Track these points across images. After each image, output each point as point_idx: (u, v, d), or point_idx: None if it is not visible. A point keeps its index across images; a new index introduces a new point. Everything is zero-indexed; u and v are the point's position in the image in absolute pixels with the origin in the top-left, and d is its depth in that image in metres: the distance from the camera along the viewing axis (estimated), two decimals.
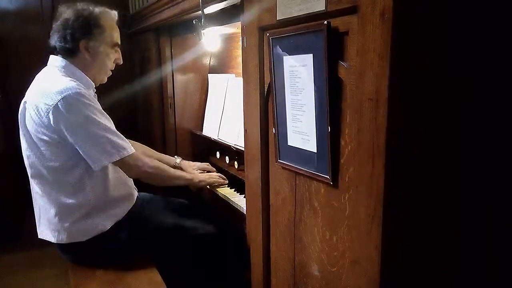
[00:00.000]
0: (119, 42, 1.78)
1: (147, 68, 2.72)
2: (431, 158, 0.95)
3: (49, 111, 1.50)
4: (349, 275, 1.06)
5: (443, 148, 0.96)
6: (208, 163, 2.15)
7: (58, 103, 1.50)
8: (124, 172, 1.71)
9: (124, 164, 1.64)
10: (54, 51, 1.71)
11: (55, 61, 1.68)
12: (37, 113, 1.54)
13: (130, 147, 1.65)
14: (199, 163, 2.13)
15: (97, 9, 1.68)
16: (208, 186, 2.01)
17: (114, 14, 1.75)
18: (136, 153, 1.67)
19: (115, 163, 1.62)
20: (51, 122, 1.51)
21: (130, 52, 3.03)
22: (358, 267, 1.01)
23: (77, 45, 1.65)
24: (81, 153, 1.57)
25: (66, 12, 1.66)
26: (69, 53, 1.67)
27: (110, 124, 1.62)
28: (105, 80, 1.81)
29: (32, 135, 1.58)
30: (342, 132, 1.03)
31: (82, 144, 1.54)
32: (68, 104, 1.51)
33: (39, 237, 1.74)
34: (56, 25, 1.66)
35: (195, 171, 2.05)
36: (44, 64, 1.73)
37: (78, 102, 1.52)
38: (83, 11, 1.65)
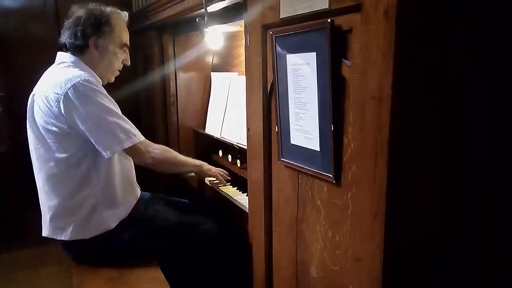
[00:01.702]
0: (128, 43, 1.81)
1: (149, 66, 2.72)
2: (432, 156, 0.95)
3: (59, 100, 1.52)
4: (351, 273, 1.06)
5: (444, 146, 0.96)
6: (206, 163, 2.15)
7: (68, 91, 1.51)
8: (134, 159, 1.73)
9: (135, 150, 1.65)
10: (63, 48, 1.74)
11: (64, 57, 1.71)
12: (46, 103, 1.55)
13: (139, 133, 1.67)
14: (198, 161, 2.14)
15: (108, 9, 1.73)
16: (209, 183, 2.02)
17: (125, 15, 1.80)
18: (145, 140, 1.69)
19: (126, 150, 1.63)
20: (62, 111, 1.52)
21: (132, 50, 3.03)
22: (360, 265, 1.01)
23: (87, 42, 1.68)
24: (92, 140, 1.57)
25: (78, 11, 1.71)
26: (78, 49, 1.70)
27: (119, 111, 1.65)
28: (112, 79, 1.84)
29: (40, 127, 1.59)
30: (345, 131, 1.02)
31: (94, 131, 1.56)
32: (78, 92, 1.52)
33: (42, 235, 1.74)
34: (68, 22, 1.71)
35: None
36: (48, 62, 1.74)
37: (88, 89, 1.54)
38: (95, 10, 1.70)
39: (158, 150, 1.75)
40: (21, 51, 2.97)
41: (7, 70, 2.93)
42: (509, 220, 1.09)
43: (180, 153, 2.51)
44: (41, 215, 1.76)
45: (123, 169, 1.75)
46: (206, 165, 1.95)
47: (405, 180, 0.92)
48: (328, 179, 1.09)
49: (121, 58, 1.80)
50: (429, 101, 0.91)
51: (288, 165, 1.27)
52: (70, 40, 1.69)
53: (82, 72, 1.59)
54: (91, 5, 1.72)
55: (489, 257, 1.11)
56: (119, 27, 1.74)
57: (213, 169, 1.99)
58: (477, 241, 1.08)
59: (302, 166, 1.20)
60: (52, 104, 1.53)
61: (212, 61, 2.54)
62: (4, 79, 2.92)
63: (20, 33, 2.99)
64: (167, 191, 2.30)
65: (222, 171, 2.04)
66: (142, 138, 1.67)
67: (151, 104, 2.80)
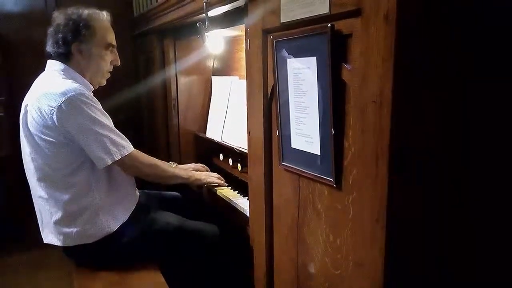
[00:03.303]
0: (114, 43, 1.77)
1: (151, 70, 2.73)
2: (433, 159, 0.95)
3: (53, 113, 1.51)
4: (352, 277, 1.06)
5: (445, 148, 0.96)
6: (203, 165, 2.16)
7: (62, 104, 1.51)
8: (124, 171, 1.72)
9: (124, 163, 1.66)
10: (51, 57, 1.72)
11: (54, 65, 1.69)
12: (40, 115, 1.54)
13: (129, 145, 1.67)
14: (193, 164, 2.15)
15: (86, 11, 1.68)
16: (205, 185, 2.02)
17: (104, 14, 1.74)
18: (135, 151, 1.69)
19: (116, 163, 1.63)
20: (56, 124, 1.52)
21: (134, 54, 3.05)
22: (361, 269, 1.01)
23: (70, 48, 1.66)
24: (87, 152, 1.58)
25: (58, 18, 1.68)
26: (64, 57, 1.68)
27: (110, 123, 1.65)
28: (104, 82, 1.81)
29: (36, 137, 1.59)
30: (346, 134, 1.03)
31: (87, 144, 1.56)
32: (72, 105, 1.52)
33: (44, 242, 1.74)
34: (50, 31, 1.69)
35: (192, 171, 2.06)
36: None
37: (81, 103, 1.54)
38: (72, 15, 1.66)
39: (147, 163, 1.75)
40: (22, 55, 2.97)
41: (9, 74, 2.93)
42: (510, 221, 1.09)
43: (181, 156, 2.53)
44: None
45: (123, 174, 1.75)
46: (194, 177, 1.95)
47: (406, 184, 0.92)
48: (329, 183, 1.09)
49: (109, 60, 1.75)
50: (429, 104, 0.91)
51: (289, 169, 1.27)
52: (54, 49, 1.67)
53: (76, 85, 1.58)
54: (70, 10, 1.67)
55: (493, 258, 1.11)
56: (100, 28, 1.70)
57: (203, 177, 1.98)
58: (480, 243, 1.08)
59: (302, 170, 1.20)
60: (46, 117, 1.53)
61: (213, 65, 2.55)
62: (5, 83, 2.92)
63: (21, 37, 2.99)
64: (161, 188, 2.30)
65: (212, 175, 2.04)
66: (131, 150, 1.67)
67: (152, 108, 2.80)
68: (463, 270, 1.07)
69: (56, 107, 1.51)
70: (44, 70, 1.74)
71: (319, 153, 1.12)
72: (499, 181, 1.06)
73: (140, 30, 2.81)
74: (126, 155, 1.63)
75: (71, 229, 1.65)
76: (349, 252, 1.06)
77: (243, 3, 1.44)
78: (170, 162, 2.12)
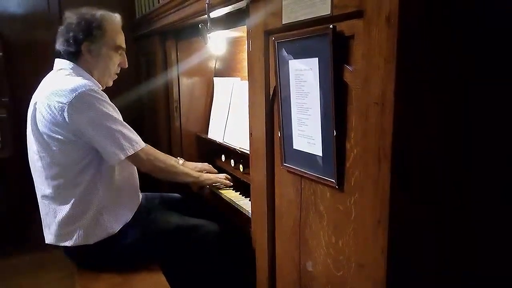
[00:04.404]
0: (124, 46, 1.79)
1: (153, 71, 2.74)
2: (435, 161, 0.95)
3: (64, 109, 1.52)
4: (354, 279, 1.06)
5: (447, 150, 0.96)
6: (210, 165, 2.16)
7: (73, 100, 1.52)
8: (136, 166, 1.74)
9: (137, 158, 1.67)
10: (59, 55, 1.74)
11: (63, 64, 1.71)
12: (50, 112, 1.55)
13: (140, 140, 1.69)
14: (200, 164, 2.16)
15: (99, 12, 1.71)
16: (208, 186, 2.04)
17: (116, 17, 1.77)
18: (147, 147, 1.70)
19: (128, 158, 1.64)
20: (67, 120, 1.53)
21: (136, 56, 3.06)
22: (364, 271, 1.01)
23: (80, 47, 1.68)
24: (98, 148, 1.59)
25: (70, 17, 1.70)
26: (73, 56, 1.70)
27: (121, 118, 1.66)
28: (110, 83, 1.83)
29: (45, 135, 1.59)
30: (348, 136, 1.03)
31: (99, 139, 1.57)
32: (83, 101, 1.53)
33: (46, 242, 1.74)
34: (61, 29, 1.71)
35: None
36: (52, 67, 1.74)
37: (93, 98, 1.55)
38: (85, 15, 1.69)
39: (159, 158, 1.76)
40: (25, 57, 2.99)
41: (12, 75, 2.94)
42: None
43: (183, 157, 2.53)
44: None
45: (127, 174, 1.76)
46: (203, 176, 1.97)
47: (408, 185, 0.92)
48: (331, 184, 1.09)
49: (117, 61, 1.78)
50: (431, 106, 0.91)
51: (291, 170, 1.27)
52: (64, 47, 1.69)
53: (86, 81, 1.59)
54: (83, 10, 1.70)
55: (494, 260, 1.10)
56: (111, 30, 1.72)
57: (212, 177, 2.01)
58: (482, 244, 1.07)
59: (304, 171, 1.20)
60: (56, 113, 1.53)
61: (215, 66, 2.55)
62: (8, 85, 2.93)
63: (24, 39, 3.00)
64: (161, 189, 2.31)
65: (223, 176, 2.05)
66: (143, 145, 1.68)
67: (154, 109, 2.81)
68: (465, 272, 1.07)
69: (67, 104, 1.52)
70: (48, 70, 1.75)
71: (321, 154, 1.12)
72: (501, 183, 1.06)
73: (142, 32, 2.81)
74: (139, 150, 1.65)
75: (75, 230, 1.65)
76: (351, 253, 1.06)
77: (245, 4, 1.44)
78: (178, 158, 2.13)
